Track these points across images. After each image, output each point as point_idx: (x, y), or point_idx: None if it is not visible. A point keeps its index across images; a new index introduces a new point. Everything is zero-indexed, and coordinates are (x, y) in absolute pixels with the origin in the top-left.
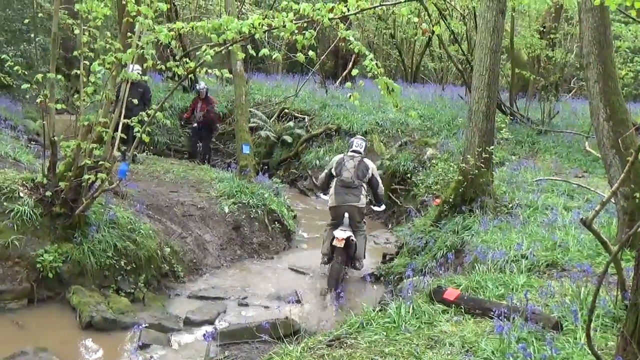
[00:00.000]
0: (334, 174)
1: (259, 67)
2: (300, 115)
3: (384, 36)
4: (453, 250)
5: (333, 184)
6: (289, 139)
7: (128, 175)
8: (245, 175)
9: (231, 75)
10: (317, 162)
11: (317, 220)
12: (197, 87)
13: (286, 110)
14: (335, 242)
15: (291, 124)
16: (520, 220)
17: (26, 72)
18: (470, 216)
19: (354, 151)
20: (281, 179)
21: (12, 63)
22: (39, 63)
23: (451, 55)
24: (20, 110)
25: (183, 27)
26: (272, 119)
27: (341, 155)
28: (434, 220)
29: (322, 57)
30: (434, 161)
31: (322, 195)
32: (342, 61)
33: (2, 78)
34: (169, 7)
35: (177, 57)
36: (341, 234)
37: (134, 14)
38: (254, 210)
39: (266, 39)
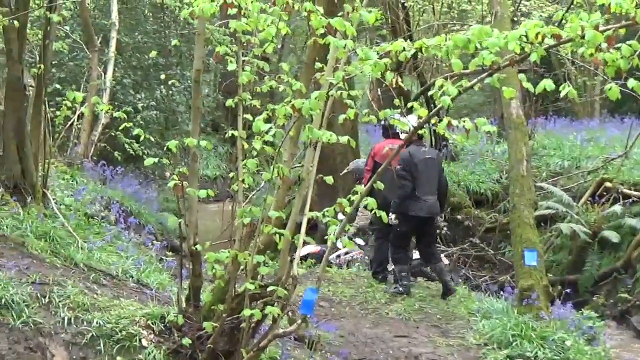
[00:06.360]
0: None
1: (557, 106)
2: (636, 193)
3: None
4: None
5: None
6: (614, 236)
7: (316, 308)
8: (530, 305)
9: (495, 129)
10: None
11: None
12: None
13: (608, 185)
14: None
15: (617, 208)
16: None
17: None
18: None
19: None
20: (600, 312)
21: (141, 125)
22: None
23: None
24: (154, 197)
25: (409, 48)
26: (582, 200)
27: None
28: None
29: None
30: None
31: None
32: None
33: (128, 145)
34: (388, 17)
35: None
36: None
37: (322, 31)
38: None
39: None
